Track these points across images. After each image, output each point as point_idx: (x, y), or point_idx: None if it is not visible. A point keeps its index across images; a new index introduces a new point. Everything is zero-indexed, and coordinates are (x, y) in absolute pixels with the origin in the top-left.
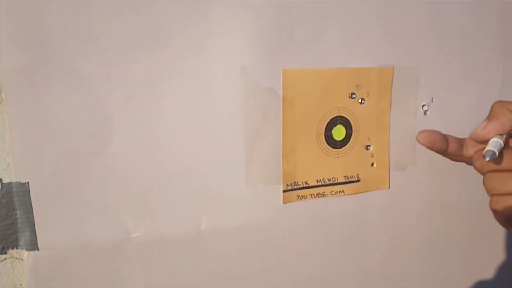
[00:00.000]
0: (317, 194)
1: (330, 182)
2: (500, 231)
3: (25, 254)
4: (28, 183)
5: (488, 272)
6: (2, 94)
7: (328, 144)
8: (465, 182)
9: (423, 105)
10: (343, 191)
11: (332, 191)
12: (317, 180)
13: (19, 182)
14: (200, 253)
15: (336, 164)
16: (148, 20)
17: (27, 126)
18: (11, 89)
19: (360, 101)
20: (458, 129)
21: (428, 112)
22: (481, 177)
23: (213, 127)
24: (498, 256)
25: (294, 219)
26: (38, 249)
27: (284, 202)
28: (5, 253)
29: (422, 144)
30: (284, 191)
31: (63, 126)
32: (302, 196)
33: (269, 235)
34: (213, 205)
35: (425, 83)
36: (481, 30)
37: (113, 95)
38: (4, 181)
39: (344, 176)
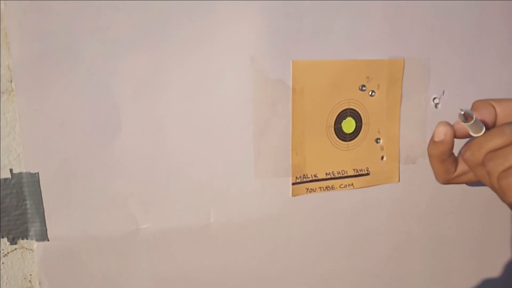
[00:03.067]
0: (326, 187)
1: (339, 175)
2: (508, 227)
3: (35, 244)
4: (38, 173)
5: (496, 269)
6: (13, 84)
7: (338, 136)
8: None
9: (434, 98)
10: (352, 184)
11: (342, 184)
12: (326, 173)
13: (29, 172)
14: (208, 245)
15: (346, 157)
16: (157, 11)
17: (37, 117)
18: (21, 80)
19: (370, 93)
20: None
21: (439, 105)
22: None
23: (221, 118)
24: (506, 253)
25: (303, 212)
26: (48, 240)
27: (293, 195)
28: (15, 243)
29: (437, 140)
30: (293, 183)
31: (72, 116)
32: (311, 189)
33: (278, 227)
34: (222, 197)
35: (436, 75)
36: (494, 20)
37: (122, 85)
38: (14, 171)
39: (354, 169)
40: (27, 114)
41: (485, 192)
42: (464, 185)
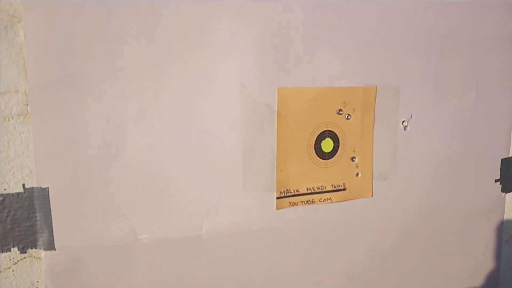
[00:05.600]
0: (307, 201)
1: (319, 190)
2: (475, 239)
3: (42, 253)
4: (48, 188)
5: (468, 279)
6: (28, 107)
7: (318, 155)
8: (442, 192)
9: (403, 121)
10: (330, 198)
11: (321, 199)
12: (307, 188)
13: (40, 187)
14: (200, 254)
15: (325, 173)
16: (160, 44)
17: (49, 137)
18: (36, 104)
19: (346, 117)
20: (435, 144)
21: (408, 128)
22: (457, 187)
23: (215, 139)
24: (476, 263)
25: (286, 224)
26: (55, 249)
27: (277, 208)
28: (25, 252)
29: None
30: (277, 198)
31: (82, 136)
32: (293, 202)
33: (264, 238)
34: (214, 210)
35: (405, 101)
36: (456, 53)
37: (127, 109)
38: (27, 186)
39: (332, 185)
40: (40, 134)
41: (453, 205)
42: (432, 200)
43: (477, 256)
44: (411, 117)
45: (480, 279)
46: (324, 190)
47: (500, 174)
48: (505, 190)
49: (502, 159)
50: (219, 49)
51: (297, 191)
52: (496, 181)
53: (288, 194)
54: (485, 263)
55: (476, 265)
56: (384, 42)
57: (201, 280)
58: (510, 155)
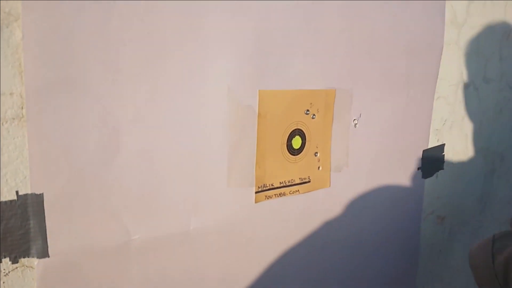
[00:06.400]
0: (279, 194)
1: (289, 183)
2: (400, 218)
3: (35, 262)
4: (43, 193)
5: (409, 261)
6: (24, 111)
7: (289, 152)
8: (381, 180)
9: (354, 119)
10: (298, 190)
11: (291, 191)
12: (280, 182)
13: (34, 193)
14: (189, 250)
15: (294, 168)
16: (156, 48)
17: (45, 141)
18: (33, 106)
19: (312, 116)
20: (376, 139)
21: (358, 125)
22: (391, 175)
23: (203, 139)
24: (399, 235)
25: (263, 216)
26: (49, 256)
27: (255, 202)
28: (17, 262)
29: None
30: (256, 192)
31: (78, 140)
32: (268, 196)
33: (244, 230)
34: (200, 207)
35: (356, 102)
36: (395, 61)
37: (123, 111)
38: (20, 192)
39: (299, 178)
40: (36, 138)
41: (387, 189)
42: (380, 189)
43: (400, 231)
44: (360, 116)
45: (402, 254)
46: (293, 183)
47: (422, 163)
48: (424, 176)
49: (423, 150)
50: (209, 55)
51: (272, 185)
52: (419, 168)
53: (264, 188)
54: (408, 237)
55: (398, 236)
56: (342, 50)
57: (191, 274)
58: (429, 147)
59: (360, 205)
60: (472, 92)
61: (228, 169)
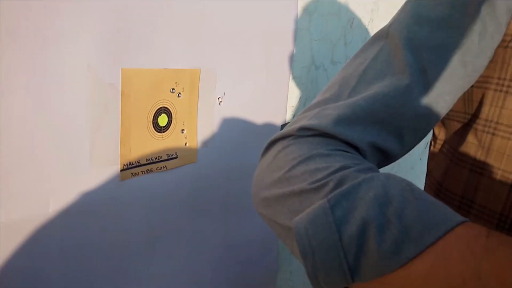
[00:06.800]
0: (147, 171)
1: (156, 160)
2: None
3: None
4: None
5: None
6: None
7: (155, 129)
8: (244, 154)
9: (218, 98)
10: (165, 166)
11: (158, 167)
12: (146, 159)
13: None
14: (49, 234)
15: (161, 145)
16: (6, 26)
17: None
18: None
19: (178, 95)
20: (241, 114)
21: (222, 103)
22: (251, 151)
23: (62, 118)
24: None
25: (130, 193)
26: None
27: (121, 180)
28: None
29: None
30: (121, 170)
31: None
32: (135, 173)
33: (110, 208)
34: (60, 188)
35: (220, 81)
36: (254, 44)
37: None
38: None
39: (167, 154)
40: None
41: (248, 164)
42: (238, 162)
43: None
44: (224, 95)
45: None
46: (161, 159)
47: None
48: None
49: (281, 125)
50: (66, 30)
51: (138, 162)
52: None
53: (130, 166)
54: None
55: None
56: (206, 32)
57: (50, 260)
58: (286, 121)
59: (226, 177)
60: (322, 73)
61: (91, 148)
